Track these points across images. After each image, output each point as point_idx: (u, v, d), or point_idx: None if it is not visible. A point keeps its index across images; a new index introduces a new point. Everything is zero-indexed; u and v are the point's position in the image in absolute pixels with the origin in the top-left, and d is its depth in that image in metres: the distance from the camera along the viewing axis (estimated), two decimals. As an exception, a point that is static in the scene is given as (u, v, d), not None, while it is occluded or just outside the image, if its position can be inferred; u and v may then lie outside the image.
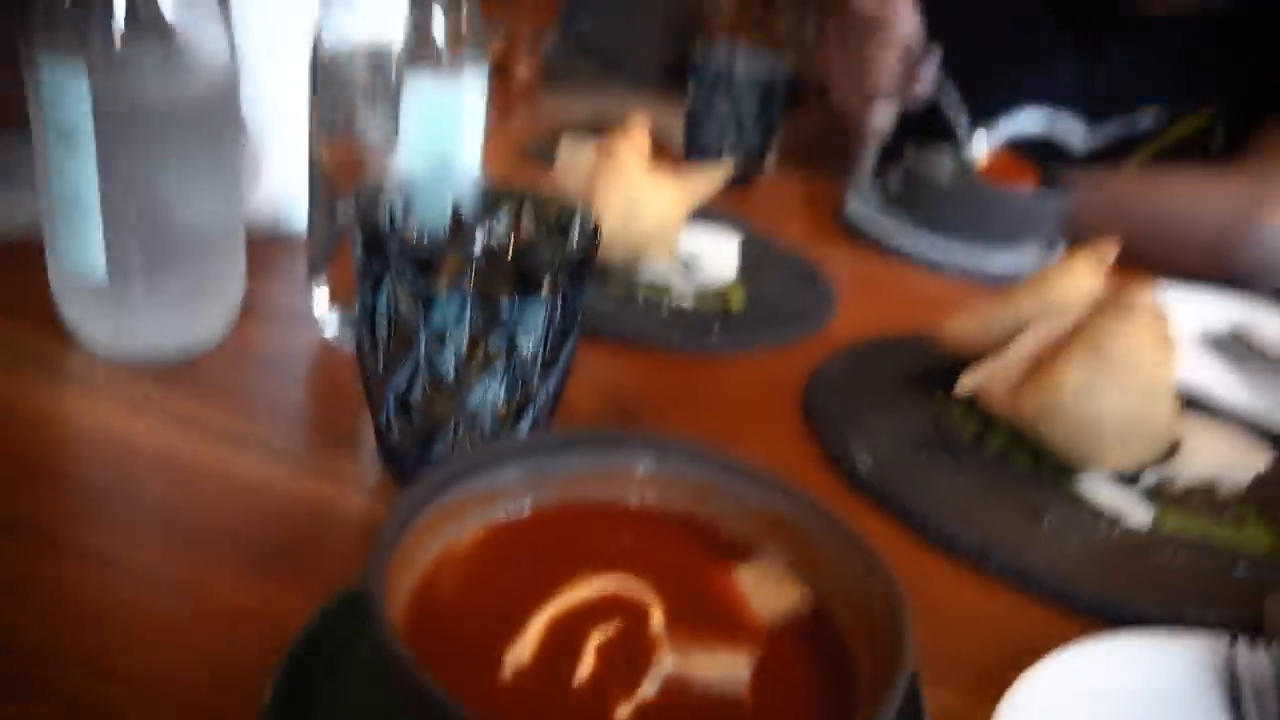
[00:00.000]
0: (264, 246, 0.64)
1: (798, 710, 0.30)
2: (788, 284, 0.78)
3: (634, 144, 0.73)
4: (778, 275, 0.79)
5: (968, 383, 0.56)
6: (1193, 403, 0.66)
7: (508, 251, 0.46)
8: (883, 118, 1.05)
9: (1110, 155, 1.11)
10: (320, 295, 0.58)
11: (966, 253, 0.90)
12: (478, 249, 0.45)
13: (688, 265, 0.76)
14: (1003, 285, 0.88)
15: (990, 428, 0.58)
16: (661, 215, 0.71)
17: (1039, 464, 0.56)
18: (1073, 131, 1.14)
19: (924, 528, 0.49)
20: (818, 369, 0.63)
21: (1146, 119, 1.09)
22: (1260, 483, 0.58)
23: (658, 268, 0.74)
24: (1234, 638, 0.42)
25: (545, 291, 0.41)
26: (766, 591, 0.34)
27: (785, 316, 0.71)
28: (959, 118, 1.09)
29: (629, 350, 0.63)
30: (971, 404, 0.59)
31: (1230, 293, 0.91)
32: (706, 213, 0.82)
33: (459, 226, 0.45)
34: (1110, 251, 0.61)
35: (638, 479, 0.37)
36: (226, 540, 0.42)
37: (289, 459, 0.47)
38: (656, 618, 0.32)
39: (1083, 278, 0.60)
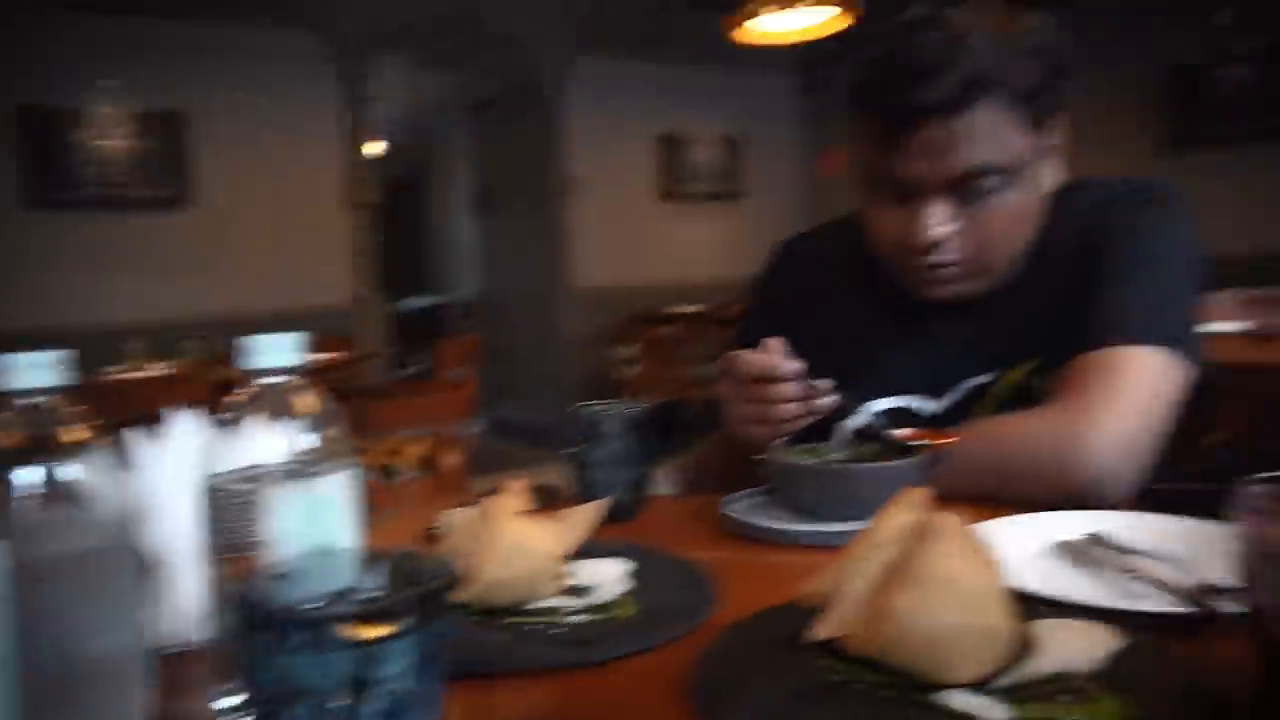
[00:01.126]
0: (177, 662, 0.70)
1: None
2: (674, 588, 0.84)
3: (510, 500, 0.83)
4: (665, 584, 0.86)
5: (817, 629, 0.62)
6: (1046, 604, 0.73)
7: (373, 606, 0.53)
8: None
9: (956, 417, 1.25)
10: (223, 702, 0.63)
11: (839, 526, 0.99)
12: (346, 608, 0.52)
13: (578, 591, 0.83)
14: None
15: (856, 666, 0.63)
16: (543, 555, 0.79)
17: (903, 691, 0.60)
18: (922, 405, 1.28)
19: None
20: (700, 655, 0.69)
21: (982, 379, 1.24)
22: (1114, 660, 0.63)
23: (547, 601, 0.80)
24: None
25: (402, 628, 0.48)
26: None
27: (673, 616, 0.77)
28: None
29: (520, 681, 0.68)
30: (839, 650, 0.64)
31: (1084, 509, 1.00)
32: (599, 547, 0.90)
33: (339, 595, 0.53)
34: (921, 494, 0.70)
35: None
36: None
37: None
38: None
39: (901, 517, 0.68)
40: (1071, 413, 1.09)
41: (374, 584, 0.54)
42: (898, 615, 0.60)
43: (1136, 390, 1.09)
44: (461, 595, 0.80)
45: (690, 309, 6.65)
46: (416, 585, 0.52)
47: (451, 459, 4.01)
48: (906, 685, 0.61)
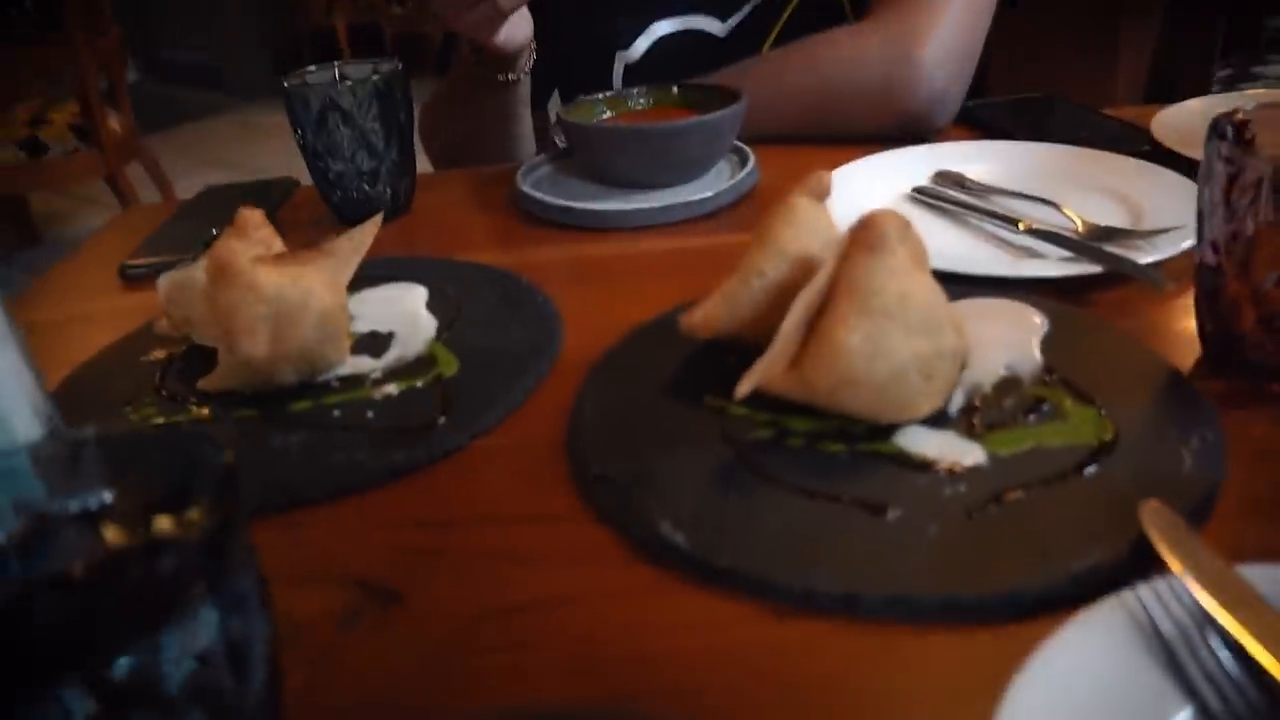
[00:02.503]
0: None
1: None
2: (496, 316, 0.66)
3: (250, 244, 0.59)
4: (482, 309, 0.67)
5: (747, 385, 0.47)
6: (948, 279, 0.62)
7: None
8: (514, 28, 0.91)
9: (751, 35, 1.07)
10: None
11: (664, 196, 0.82)
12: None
13: (375, 341, 0.63)
14: (707, 215, 0.81)
15: (783, 413, 0.50)
16: (321, 309, 0.57)
17: (851, 439, 0.48)
18: (708, 23, 1.09)
19: (777, 594, 0.40)
20: (572, 421, 0.53)
21: None
22: (1049, 351, 0.54)
23: (342, 365, 0.60)
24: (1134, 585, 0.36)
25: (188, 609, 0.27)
26: None
27: (511, 362, 0.60)
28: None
29: (349, 502, 0.50)
30: (757, 396, 0.50)
31: (916, 144, 0.88)
32: (370, 268, 0.69)
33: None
34: (826, 179, 0.54)
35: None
36: None
37: None
38: None
39: (808, 215, 0.53)
40: (897, 26, 0.94)
41: (90, 501, 0.32)
42: (851, 354, 0.46)
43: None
44: (219, 381, 0.58)
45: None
46: (179, 492, 0.31)
47: (113, 121, 3.35)
48: (849, 433, 0.49)
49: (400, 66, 0.86)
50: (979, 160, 0.83)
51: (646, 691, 0.38)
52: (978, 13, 0.96)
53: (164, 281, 0.59)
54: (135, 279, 0.80)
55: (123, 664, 0.26)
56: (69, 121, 3.17)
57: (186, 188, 4.11)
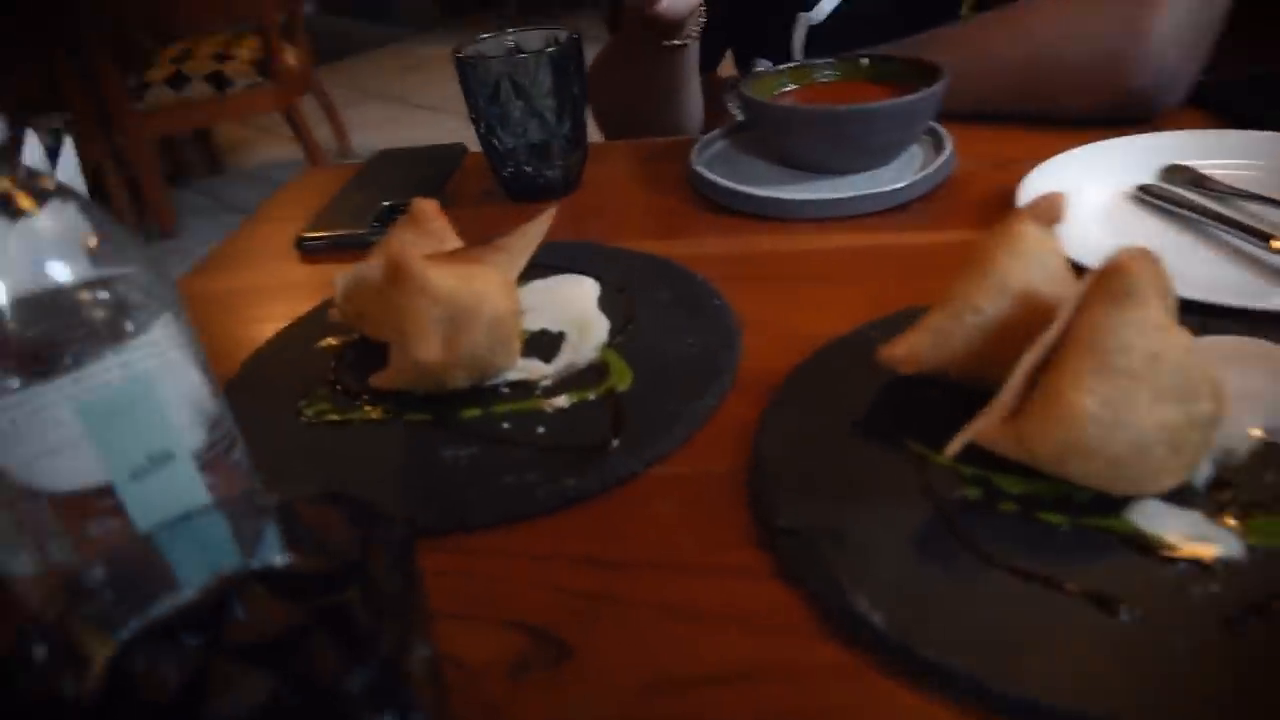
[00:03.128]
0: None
1: None
2: (673, 320, 0.62)
3: (424, 236, 0.57)
4: (658, 312, 0.63)
5: (958, 444, 0.42)
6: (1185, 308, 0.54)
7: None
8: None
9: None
10: None
11: (849, 185, 0.76)
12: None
13: (543, 342, 0.60)
14: (899, 206, 0.75)
15: (994, 471, 0.45)
16: (494, 312, 0.55)
17: (1073, 509, 0.43)
18: None
19: (995, 703, 0.36)
20: (758, 455, 0.49)
21: None
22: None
23: (513, 372, 0.58)
24: None
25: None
26: None
27: (687, 377, 0.56)
28: None
29: (516, 529, 0.48)
30: (967, 446, 0.45)
31: (1140, 132, 0.78)
32: (545, 254, 0.66)
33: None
34: (1059, 203, 0.47)
35: None
36: None
37: None
38: None
39: (1037, 250, 0.46)
40: (1129, -5, 0.83)
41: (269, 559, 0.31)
42: (1087, 418, 0.40)
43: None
44: (390, 381, 0.57)
45: None
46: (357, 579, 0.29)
47: (291, 56, 3.46)
48: (1073, 500, 0.43)
49: (576, 36, 0.82)
50: (1219, 153, 0.73)
51: (837, 802, 0.34)
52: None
53: (340, 280, 0.58)
54: (312, 251, 0.80)
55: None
56: (250, 57, 3.29)
57: (356, 119, 4.23)
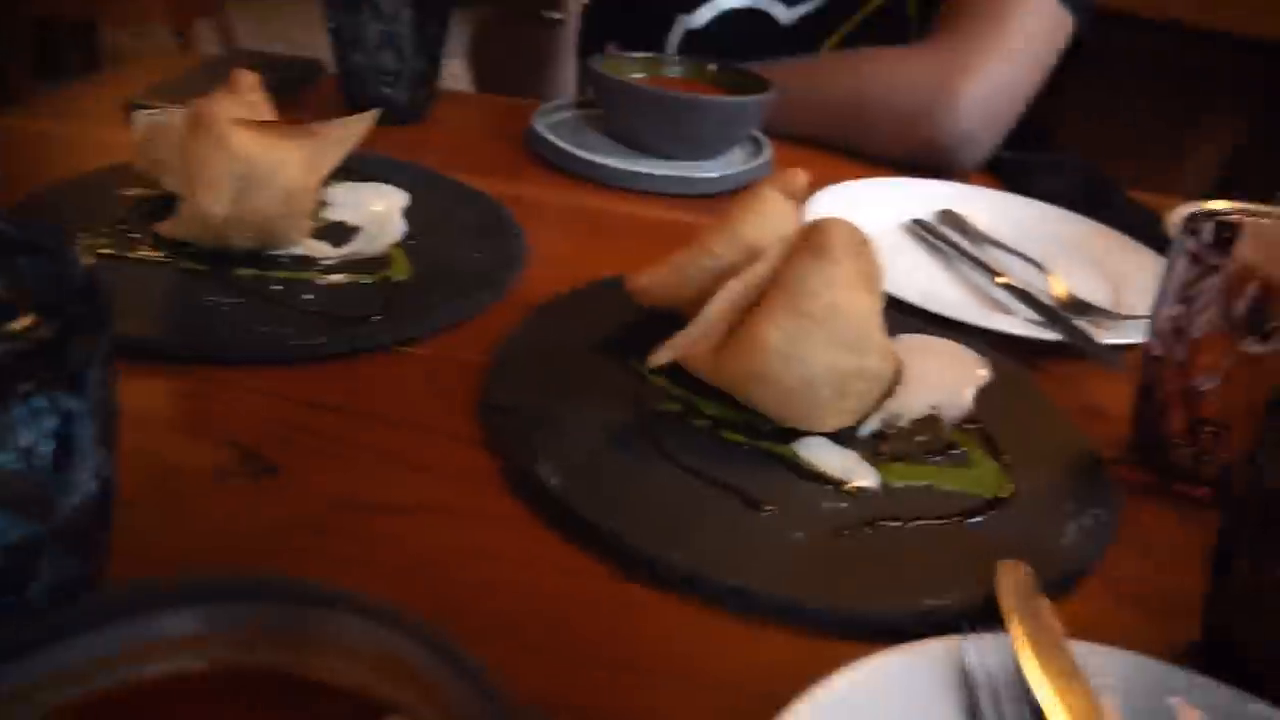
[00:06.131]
0: None
1: None
2: (467, 236, 0.66)
3: (238, 104, 0.59)
4: (455, 227, 0.67)
5: (663, 353, 0.47)
6: (903, 308, 0.62)
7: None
8: None
9: (815, 27, 1.06)
10: None
11: (669, 167, 0.82)
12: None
13: (339, 231, 0.63)
14: (711, 197, 0.81)
15: (698, 396, 0.50)
16: (289, 184, 0.57)
17: (753, 434, 0.49)
18: (776, 7, 1.08)
19: (627, 557, 0.41)
20: (498, 351, 0.53)
21: None
22: (981, 402, 0.54)
23: (298, 246, 0.60)
24: (967, 631, 0.37)
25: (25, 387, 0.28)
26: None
27: (462, 282, 0.60)
28: None
29: (259, 371, 0.51)
30: (677, 371, 0.51)
31: (934, 179, 0.88)
32: (366, 162, 0.69)
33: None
34: (801, 179, 0.54)
35: (195, 641, 0.26)
36: None
37: None
38: None
39: (775, 210, 0.52)
40: (946, 56, 0.93)
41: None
42: (769, 350, 0.46)
43: (1023, 41, 0.94)
44: (175, 229, 0.58)
45: None
46: (40, 299, 0.32)
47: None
48: (755, 427, 0.49)
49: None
50: (986, 208, 0.83)
51: (471, 614, 0.38)
52: (1028, 68, 0.95)
53: (141, 119, 0.60)
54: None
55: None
56: None
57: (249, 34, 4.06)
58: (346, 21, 0.83)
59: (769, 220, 0.52)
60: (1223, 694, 0.35)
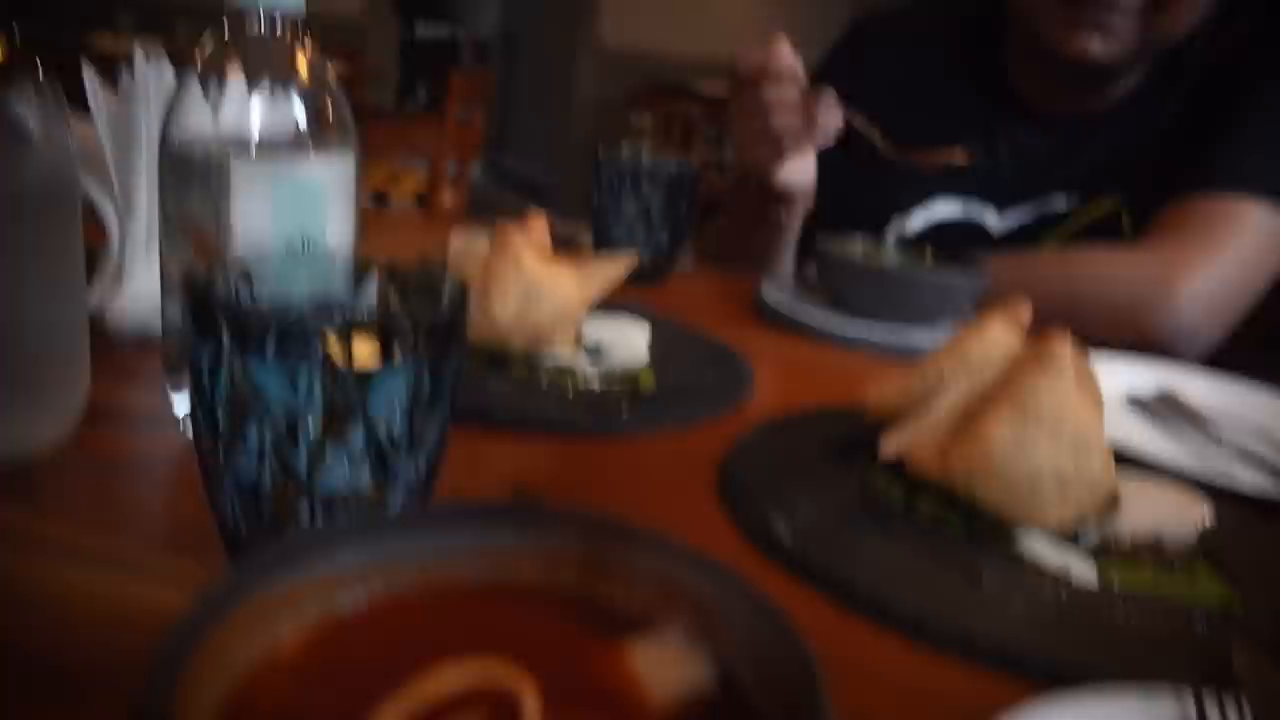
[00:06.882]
0: (125, 355, 0.60)
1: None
2: (701, 366, 0.74)
3: (529, 234, 0.71)
4: (690, 358, 0.75)
5: (891, 443, 0.52)
6: (1125, 460, 0.63)
7: (365, 324, 0.41)
8: (794, 173, 1.02)
9: (1025, 238, 1.12)
10: (181, 397, 0.53)
11: (883, 331, 0.88)
12: (330, 320, 0.41)
13: (595, 351, 0.72)
14: (920, 358, 0.86)
15: (919, 492, 0.54)
16: (562, 302, 0.68)
17: (973, 527, 0.52)
18: (986, 214, 1.15)
19: (853, 597, 0.44)
20: (735, 444, 0.59)
21: (1059, 201, 1.10)
22: (1206, 536, 0.55)
23: (562, 356, 0.70)
24: (1199, 692, 0.37)
25: (401, 359, 0.36)
26: (664, 669, 0.29)
27: (699, 395, 0.67)
28: (872, 134, 1.04)
29: (530, 438, 0.59)
30: (899, 470, 0.55)
31: (1153, 359, 0.89)
32: (616, 306, 0.80)
33: (319, 305, 0.41)
34: (1024, 310, 0.59)
35: (508, 554, 0.32)
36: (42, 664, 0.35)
37: (130, 566, 0.41)
38: (530, 707, 0.27)
39: (999, 336, 0.57)
40: (1163, 257, 0.96)
41: (365, 297, 0.43)
42: (994, 445, 0.50)
43: (1239, 246, 0.96)
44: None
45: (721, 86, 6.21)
46: (422, 305, 0.41)
47: (448, 198, 3.84)
48: (975, 523, 0.52)
49: (696, 170, 0.99)
50: (1208, 391, 0.83)
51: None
52: (1249, 267, 0.97)
53: (458, 237, 0.73)
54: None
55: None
56: (415, 188, 3.67)
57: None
58: (609, 197, 0.97)
59: (993, 341, 0.57)
60: None
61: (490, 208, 5.88)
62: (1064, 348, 0.51)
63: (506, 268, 0.67)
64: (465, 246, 0.70)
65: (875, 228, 1.21)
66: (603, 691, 0.28)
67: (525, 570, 0.32)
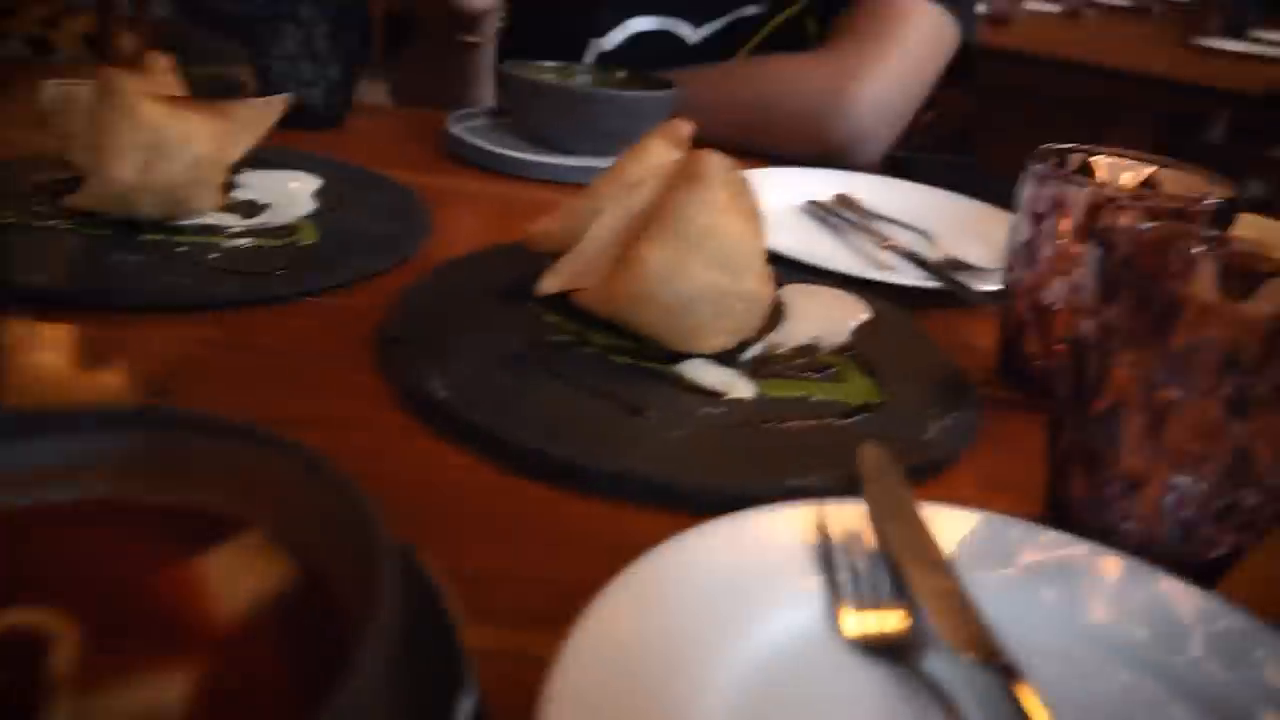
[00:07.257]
0: None
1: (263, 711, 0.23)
2: (375, 214, 0.69)
3: (150, 83, 0.61)
4: (365, 207, 0.70)
5: (547, 279, 0.50)
6: (793, 265, 0.66)
7: None
8: None
9: (721, 47, 1.12)
10: None
11: (576, 161, 0.86)
12: None
13: (248, 209, 0.65)
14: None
15: (591, 328, 0.53)
16: (199, 156, 0.60)
17: (640, 357, 0.51)
18: (681, 27, 1.13)
19: (508, 453, 0.43)
20: (398, 298, 0.55)
21: (750, 8, 1.10)
22: (860, 334, 0.58)
23: (204, 219, 0.62)
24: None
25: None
26: (240, 576, 0.26)
27: (367, 246, 0.63)
28: None
29: (168, 317, 0.52)
30: (571, 309, 0.53)
31: (835, 168, 0.92)
32: (282, 156, 0.72)
33: None
34: (686, 128, 0.58)
35: (58, 470, 0.28)
36: None
37: None
38: (64, 652, 0.23)
39: (660, 158, 0.56)
40: (839, 62, 0.99)
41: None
42: (648, 271, 0.49)
43: (910, 47, 1.00)
44: (82, 200, 0.60)
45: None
46: None
47: (127, 42, 3.37)
48: (642, 351, 0.52)
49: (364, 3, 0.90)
50: (882, 192, 0.87)
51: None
52: (916, 72, 1.01)
53: (49, 89, 0.62)
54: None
55: None
56: (81, 30, 3.20)
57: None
58: (268, 34, 0.86)
59: (652, 164, 0.56)
60: (1049, 535, 0.38)
61: (181, 52, 5.25)
62: (712, 164, 0.50)
63: (119, 119, 0.57)
64: (61, 100, 0.60)
65: (573, 48, 1.17)
66: (161, 616, 0.25)
67: (84, 485, 0.28)
